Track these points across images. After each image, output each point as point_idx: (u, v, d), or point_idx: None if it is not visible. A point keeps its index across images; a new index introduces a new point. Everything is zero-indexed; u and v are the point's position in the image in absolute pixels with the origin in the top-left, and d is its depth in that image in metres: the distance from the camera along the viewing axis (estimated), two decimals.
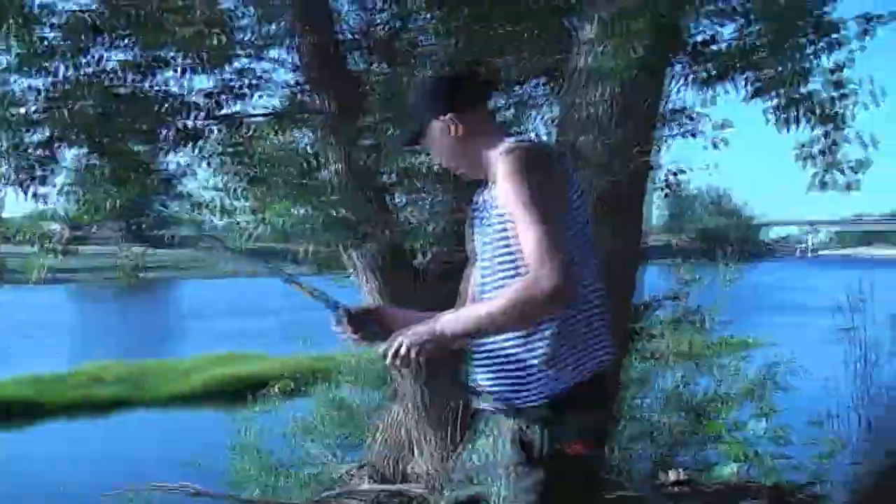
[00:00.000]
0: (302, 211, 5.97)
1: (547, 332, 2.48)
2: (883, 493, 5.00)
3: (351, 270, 5.79)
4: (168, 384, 23.69)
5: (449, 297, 5.53)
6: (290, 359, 13.01)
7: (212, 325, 37.12)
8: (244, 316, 40.08)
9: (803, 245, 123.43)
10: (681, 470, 6.35)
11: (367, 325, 2.80)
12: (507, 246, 2.49)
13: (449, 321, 2.52)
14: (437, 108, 2.66)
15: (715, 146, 5.20)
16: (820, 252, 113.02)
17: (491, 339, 2.57)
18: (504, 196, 2.43)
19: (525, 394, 2.53)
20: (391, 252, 5.28)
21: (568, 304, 2.38)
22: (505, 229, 2.48)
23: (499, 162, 2.46)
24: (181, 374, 24.49)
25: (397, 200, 5.67)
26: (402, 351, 2.49)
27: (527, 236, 2.35)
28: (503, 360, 2.57)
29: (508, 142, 2.54)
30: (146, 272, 55.41)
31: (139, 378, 24.02)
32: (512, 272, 2.48)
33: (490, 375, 2.63)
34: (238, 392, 13.99)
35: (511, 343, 2.53)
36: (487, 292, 2.59)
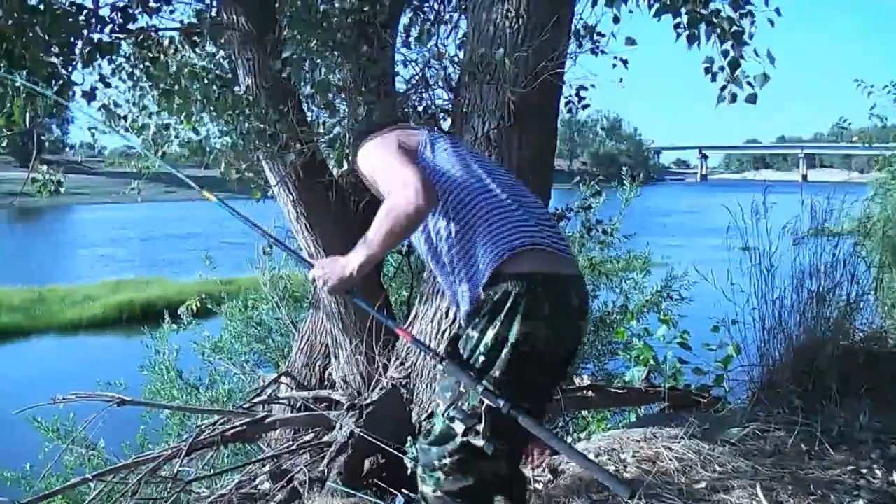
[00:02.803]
0: (215, 128, 6.00)
1: (454, 251, 2.75)
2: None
3: (272, 184, 5.82)
4: (67, 310, 23.33)
5: (365, 211, 5.69)
6: (190, 283, 12.94)
7: (106, 251, 36.47)
8: (139, 242, 39.48)
9: (697, 169, 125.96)
10: (584, 376, 6.56)
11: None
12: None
13: (352, 257, 2.78)
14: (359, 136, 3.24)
15: (625, 63, 5.32)
16: (712, 176, 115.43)
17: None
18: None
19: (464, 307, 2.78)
20: (307, 164, 5.35)
21: (428, 199, 2.62)
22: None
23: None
24: (80, 300, 24.13)
25: (313, 112, 5.69)
26: (319, 286, 2.92)
27: (382, 180, 2.82)
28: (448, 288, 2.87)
29: None
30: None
31: (38, 304, 23.60)
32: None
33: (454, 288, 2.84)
34: (139, 317, 13.98)
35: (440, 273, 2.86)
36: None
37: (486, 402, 2.53)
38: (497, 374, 2.57)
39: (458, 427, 2.61)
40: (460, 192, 2.77)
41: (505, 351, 2.56)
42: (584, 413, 7.45)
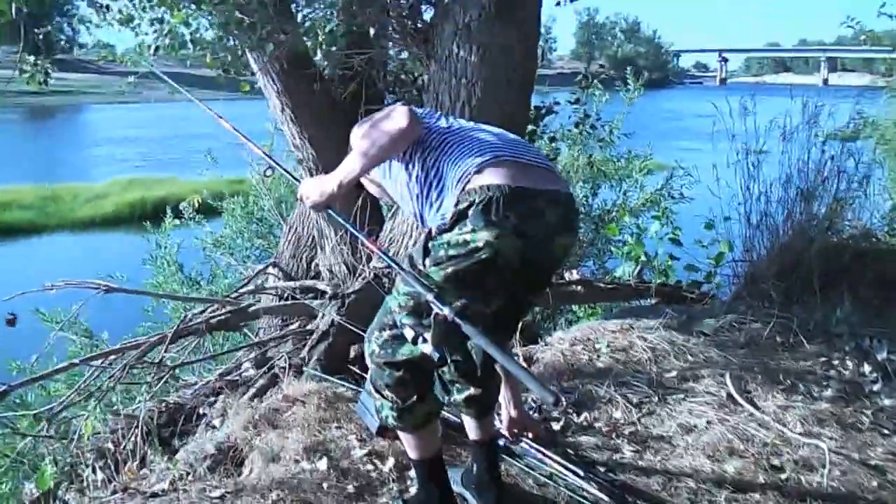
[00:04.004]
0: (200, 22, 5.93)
1: (425, 186, 2.79)
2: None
3: (256, 77, 5.78)
4: (79, 208, 23.50)
5: (350, 101, 5.66)
6: (201, 182, 12.95)
7: (118, 150, 36.48)
8: (151, 142, 39.42)
9: (716, 72, 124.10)
10: (574, 271, 6.57)
11: None
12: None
13: (334, 175, 2.86)
14: None
15: None
16: (732, 80, 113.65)
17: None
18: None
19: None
20: (291, 56, 5.31)
21: (411, 123, 2.69)
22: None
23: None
24: (92, 198, 24.27)
25: (296, 2, 5.62)
26: (305, 203, 3.03)
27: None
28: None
29: None
30: (51, 96, 53.81)
31: (51, 202, 23.76)
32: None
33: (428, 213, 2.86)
34: (150, 215, 14.06)
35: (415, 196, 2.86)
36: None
37: (435, 309, 2.55)
38: (450, 270, 2.59)
39: (409, 333, 2.64)
40: (436, 133, 2.83)
41: (464, 253, 2.56)
42: (574, 308, 7.53)
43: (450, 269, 2.58)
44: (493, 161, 2.63)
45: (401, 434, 2.99)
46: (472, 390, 3.10)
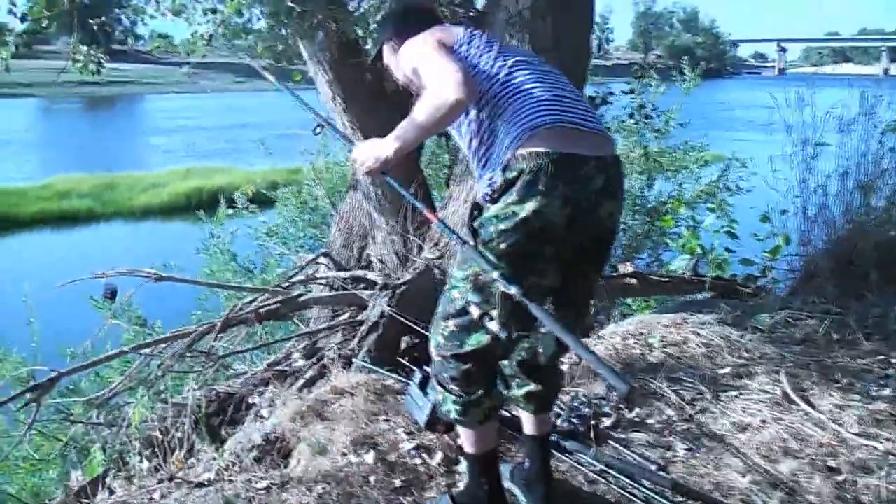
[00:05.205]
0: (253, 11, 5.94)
1: (482, 138, 2.76)
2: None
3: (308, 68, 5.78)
4: (136, 197, 23.80)
5: (402, 92, 5.62)
6: (258, 172, 13.03)
7: (176, 139, 36.84)
8: (208, 131, 39.76)
9: (775, 62, 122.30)
10: (628, 263, 6.50)
11: None
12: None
13: (389, 141, 2.79)
14: (385, 33, 3.20)
15: None
16: (791, 70, 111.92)
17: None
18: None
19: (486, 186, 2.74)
20: (343, 45, 5.30)
21: (468, 92, 2.59)
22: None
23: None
24: (149, 187, 24.56)
25: None
26: (357, 167, 2.95)
27: (424, 81, 2.74)
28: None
29: None
30: (110, 86, 54.63)
31: (108, 191, 24.09)
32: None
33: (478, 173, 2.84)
34: (206, 204, 14.19)
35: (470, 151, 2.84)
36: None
37: (501, 287, 2.52)
38: (503, 246, 2.55)
39: (475, 311, 2.62)
40: (491, 84, 2.75)
41: (512, 226, 2.52)
42: (629, 301, 7.44)
43: (502, 246, 2.54)
44: (545, 126, 2.59)
45: (461, 428, 2.94)
46: (532, 386, 3.03)
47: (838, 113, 5.47)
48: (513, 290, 2.44)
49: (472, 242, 2.64)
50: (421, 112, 2.63)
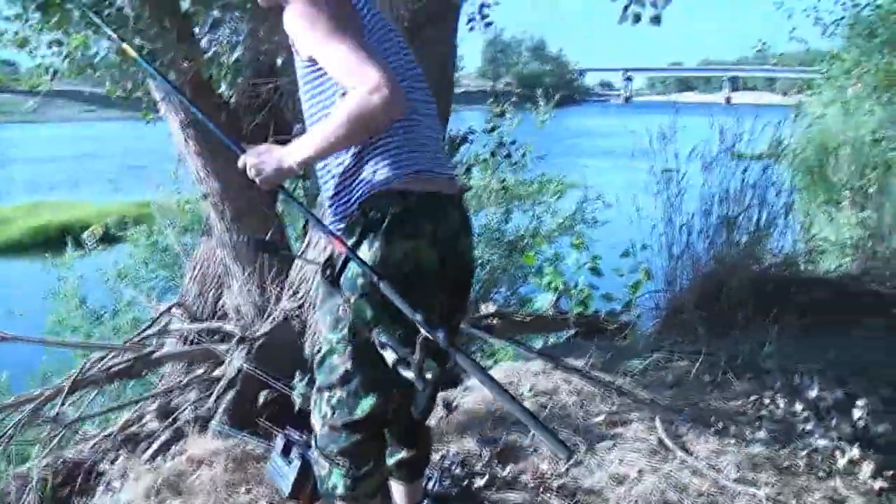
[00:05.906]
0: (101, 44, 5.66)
1: (344, 158, 2.45)
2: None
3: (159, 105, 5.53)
4: None
5: (255, 132, 5.41)
6: (112, 205, 12.58)
7: (25, 170, 35.36)
8: (58, 162, 38.32)
9: (621, 91, 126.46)
10: (490, 303, 6.45)
11: None
12: (320, 90, 2.48)
13: (295, 149, 2.41)
14: None
15: None
16: (636, 98, 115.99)
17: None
18: (300, 47, 2.45)
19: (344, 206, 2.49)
20: (197, 85, 5.06)
21: (395, 99, 2.21)
22: (315, 75, 2.46)
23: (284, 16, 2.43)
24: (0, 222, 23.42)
25: (198, 30, 5.38)
26: (251, 175, 2.49)
27: (333, 66, 2.31)
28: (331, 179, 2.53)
29: None
30: None
31: None
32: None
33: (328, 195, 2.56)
34: (54, 240, 13.62)
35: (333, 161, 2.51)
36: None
37: (423, 332, 2.22)
38: (379, 296, 2.31)
39: (389, 357, 2.31)
40: None
41: (391, 268, 2.33)
42: (492, 342, 7.36)
43: (379, 296, 2.31)
44: (413, 170, 2.42)
45: None
46: (403, 453, 2.84)
47: (700, 149, 5.54)
48: (439, 335, 2.17)
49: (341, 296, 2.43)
50: (340, 123, 2.26)
